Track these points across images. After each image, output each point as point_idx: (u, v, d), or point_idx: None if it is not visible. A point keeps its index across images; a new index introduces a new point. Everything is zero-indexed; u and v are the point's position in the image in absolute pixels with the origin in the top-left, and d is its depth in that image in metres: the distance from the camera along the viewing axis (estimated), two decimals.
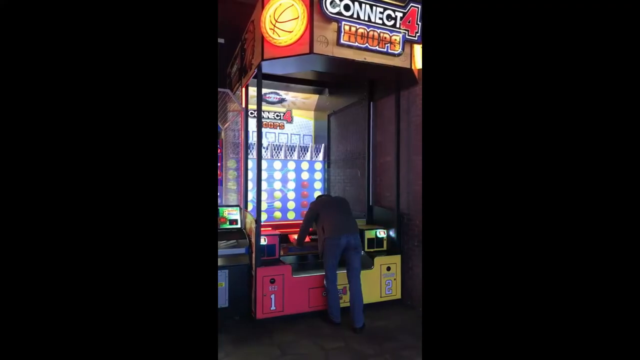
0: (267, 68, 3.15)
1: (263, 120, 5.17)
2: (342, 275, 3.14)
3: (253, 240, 3.12)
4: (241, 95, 3.75)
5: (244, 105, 3.61)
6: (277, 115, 5.31)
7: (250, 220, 3.30)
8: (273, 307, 3.05)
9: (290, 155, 4.95)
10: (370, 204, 4.08)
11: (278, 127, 5.30)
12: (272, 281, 3.06)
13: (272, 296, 3.06)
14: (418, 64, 3.16)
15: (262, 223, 3.51)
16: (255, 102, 3.15)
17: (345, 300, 3.25)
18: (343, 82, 4.53)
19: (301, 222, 3.28)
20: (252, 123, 3.90)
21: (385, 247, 3.73)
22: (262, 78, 3.18)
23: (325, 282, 3.07)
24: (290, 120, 5.38)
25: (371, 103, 4.12)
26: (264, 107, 5.13)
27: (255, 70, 3.09)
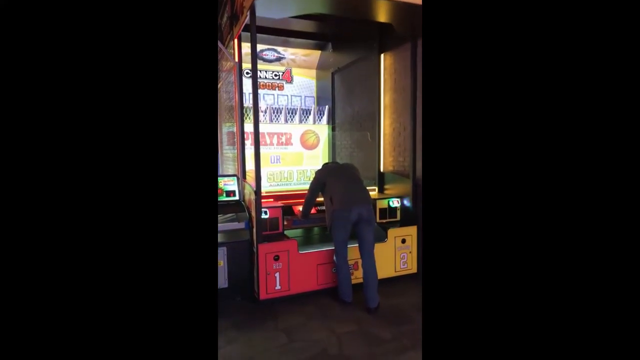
0: (262, 11, 2.66)
1: (260, 80, 4.69)
2: (353, 249, 2.83)
3: (253, 213, 2.78)
4: (233, 49, 3.27)
5: (236, 60, 3.14)
6: (276, 75, 4.82)
7: (249, 191, 2.94)
8: (278, 287, 2.76)
9: (292, 119, 4.52)
10: (381, 170, 3.70)
11: (277, 88, 4.82)
12: (276, 258, 2.75)
13: (277, 274, 2.76)
14: None
15: (263, 194, 3.17)
16: (250, 60, 2.69)
17: (357, 277, 2.96)
18: (349, 33, 4.01)
19: (306, 191, 2.93)
20: (248, 84, 3.46)
21: (398, 218, 3.40)
22: (257, 30, 2.70)
23: (334, 257, 2.76)
24: (289, 80, 4.90)
25: (381, 56, 3.64)
26: (261, 65, 4.63)
27: (248, 15, 2.61)
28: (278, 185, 4.38)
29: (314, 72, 4.98)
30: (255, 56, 2.68)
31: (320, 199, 2.88)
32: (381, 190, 3.69)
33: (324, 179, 2.79)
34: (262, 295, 2.73)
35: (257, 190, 2.72)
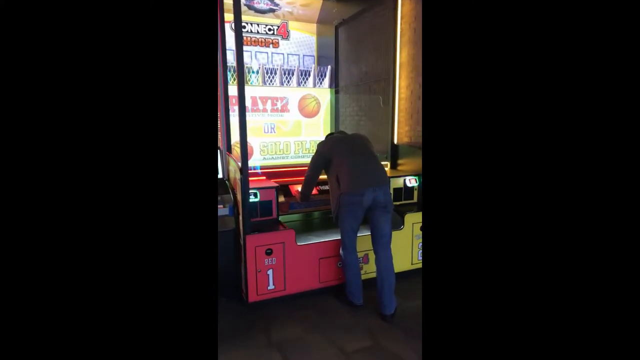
0: None
1: (251, 35, 4.00)
2: (362, 240, 2.30)
3: (239, 196, 2.22)
4: None
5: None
6: (270, 29, 4.11)
7: (234, 168, 2.36)
8: (271, 286, 2.25)
9: (288, 82, 3.87)
10: (395, 142, 3.11)
11: (271, 45, 4.12)
12: (269, 252, 2.21)
13: (270, 271, 2.24)
14: None
15: (251, 171, 2.60)
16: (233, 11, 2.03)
17: (366, 271, 2.45)
18: None
19: (306, 168, 2.35)
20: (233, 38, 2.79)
21: (415, 199, 2.86)
22: None
23: (341, 251, 2.23)
24: (286, 36, 4.18)
25: (399, 1, 2.95)
26: (251, 17, 3.92)
27: None
28: (273, 158, 3.79)
29: (314, 26, 4.25)
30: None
31: (324, 176, 2.31)
32: (394, 166, 3.11)
33: (328, 153, 2.21)
34: (252, 297, 2.22)
35: (244, 168, 2.14)
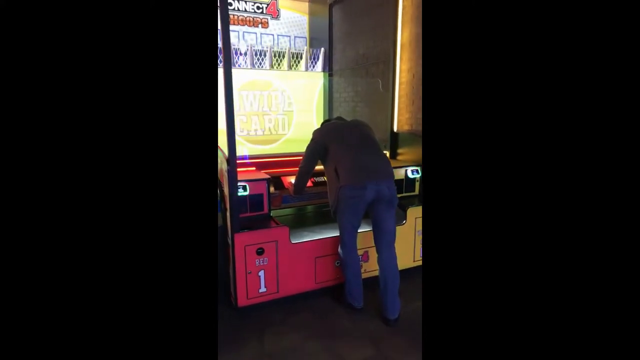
0: None
1: (238, 14, 3.71)
2: (362, 236, 2.11)
3: (226, 190, 1.99)
4: None
5: None
6: (258, 8, 3.82)
7: (220, 158, 2.13)
8: (263, 289, 2.05)
9: (278, 65, 3.62)
10: (395, 130, 2.90)
11: (260, 25, 3.84)
12: (260, 252, 2.00)
13: (261, 273, 2.03)
14: None
15: (240, 161, 2.37)
16: None
17: (366, 270, 2.27)
18: None
19: (300, 158, 2.12)
20: (219, 17, 2.52)
21: (417, 192, 2.67)
22: None
23: (340, 250, 2.04)
24: (275, 16, 3.90)
25: None
26: None
27: None
28: (262, 147, 3.56)
29: (306, 5, 3.98)
30: None
31: (320, 167, 2.09)
32: (394, 155, 2.91)
33: (325, 141, 1.99)
34: (241, 301, 2.01)
35: (231, 158, 1.90)
